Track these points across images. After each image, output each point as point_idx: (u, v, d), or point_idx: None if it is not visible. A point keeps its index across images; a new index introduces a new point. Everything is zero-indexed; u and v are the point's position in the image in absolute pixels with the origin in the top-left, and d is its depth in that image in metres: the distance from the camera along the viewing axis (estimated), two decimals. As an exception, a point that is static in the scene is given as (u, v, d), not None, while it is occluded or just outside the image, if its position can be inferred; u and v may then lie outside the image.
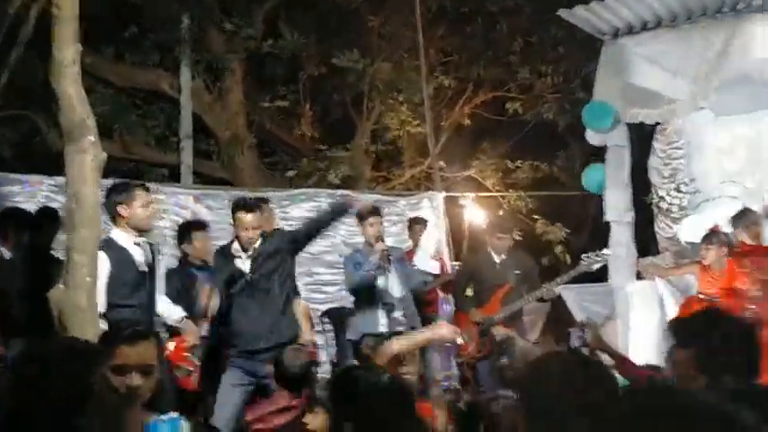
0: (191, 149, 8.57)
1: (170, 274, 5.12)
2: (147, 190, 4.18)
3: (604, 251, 5.44)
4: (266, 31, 9.18)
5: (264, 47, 9.17)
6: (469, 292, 5.79)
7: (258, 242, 4.54)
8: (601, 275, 6.12)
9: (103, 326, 3.75)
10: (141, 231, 4.06)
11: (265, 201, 5.51)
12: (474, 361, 5.62)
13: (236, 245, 4.58)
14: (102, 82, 8.84)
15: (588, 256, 5.35)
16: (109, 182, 6.34)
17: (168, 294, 4.70)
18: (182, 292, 4.91)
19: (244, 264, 4.53)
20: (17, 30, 6.83)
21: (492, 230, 5.90)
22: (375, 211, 5.47)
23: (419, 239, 6.72)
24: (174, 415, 2.16)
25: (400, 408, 1.99)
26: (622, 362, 2.88)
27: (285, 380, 3.76)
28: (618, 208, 5.55)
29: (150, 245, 4.18)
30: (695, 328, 1.99)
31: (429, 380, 6.01)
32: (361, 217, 5.46)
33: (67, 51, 3.59)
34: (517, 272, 5.56)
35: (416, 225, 6.82)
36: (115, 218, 4.03)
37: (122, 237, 4.03)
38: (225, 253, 4.63)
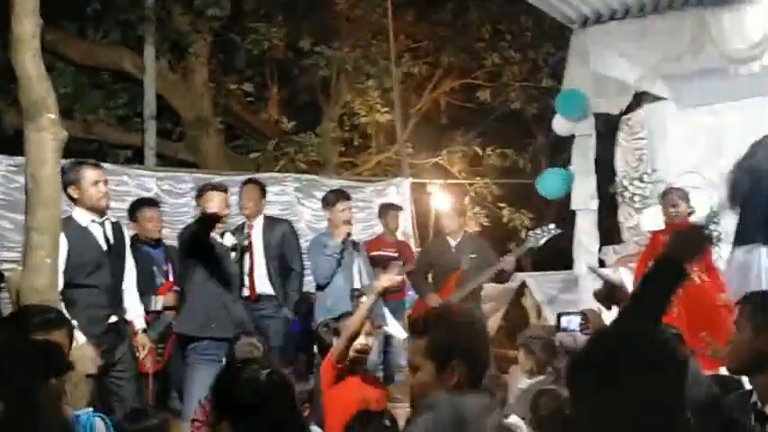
0: (154, 131, 8.41)
1: None
2: (98, 167, 4.08)
3: (551, 226, 5.51)
4: (233, 12, 9.03)
5: (231, 31, 9.04)
6: (429, 278, 5.85)
7: None
8: (568, 263, 6.21)
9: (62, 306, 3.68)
10: (96, 212, 3.96)
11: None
12: None
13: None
14: (64, 60, 8.61)
15: (536, 232, 5.43)
16: (68, 162, 6.30)
17: None
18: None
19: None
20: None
21: (443, 212, 5.97)
22: (345, 196, 5.45)
23: (396, 226, 6.71)
24: (89, 410, 2.10)
25: (278, 405, 1.96)
26: None
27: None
28: (583, 196, 5.62)
29: (114, 224, 4.09)
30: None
31: (392, 366, 6.05)
32: (330, 202, 5.43)
33: (27, 25, 3.48)
34: (472, 255, 5.60)
35: (391, 210, 6.77)
36: (70, 199, 3.95)
37: (82, 216, 3.95)
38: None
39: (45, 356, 1.69)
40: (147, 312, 4.59)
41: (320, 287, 5.32)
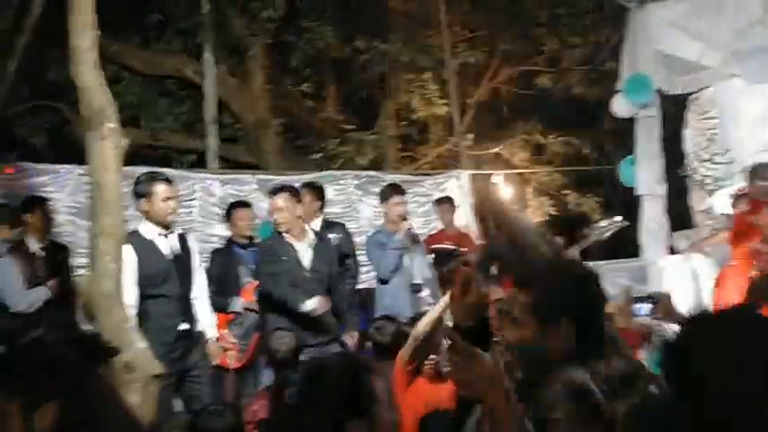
0: (216, 134, 8.59)
1: (214, 254, 5.18)
2: (170, 183, 4.16)
3: (616, 218, 5.31)
4: (287, 14, 9.12)
5: (286, 32, 9.14)
6: (494, 270, 5.71)
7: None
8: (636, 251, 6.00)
9: (131, 316, 3.79)
10: (162, 225, 4.05)
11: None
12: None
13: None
14: (129, 70, 8.90)
15: (600, 225, 5.23)
16: (138, 170, 6.50)
17: (211, 272, 4.70)
18: (224, 272, 4.95)
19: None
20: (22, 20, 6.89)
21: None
22: (398, 191, 5.44)
23: (451, 219, 6.64)
24: None
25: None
26: None
27: (274, 363, 3.78)
28: (649, 181, 5.40)
29: (180, 236, 4.18)
30: None
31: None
32: (385, 197, 5.43)
33: (84, 37, 3.58)
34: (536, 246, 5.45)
35: (443, 205, 6.71)
36: (139, 210, 4.06)
37: (149, 229, 4.04)
38: None
39: (90, 346, 1.70)
40: (227, 313, 4.72)
41: (383, 281, 5.32)
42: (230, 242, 5.18)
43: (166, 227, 4.09)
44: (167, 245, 4.07)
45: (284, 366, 3.65)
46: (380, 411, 1.99)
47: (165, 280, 4.00)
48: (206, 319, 4.24)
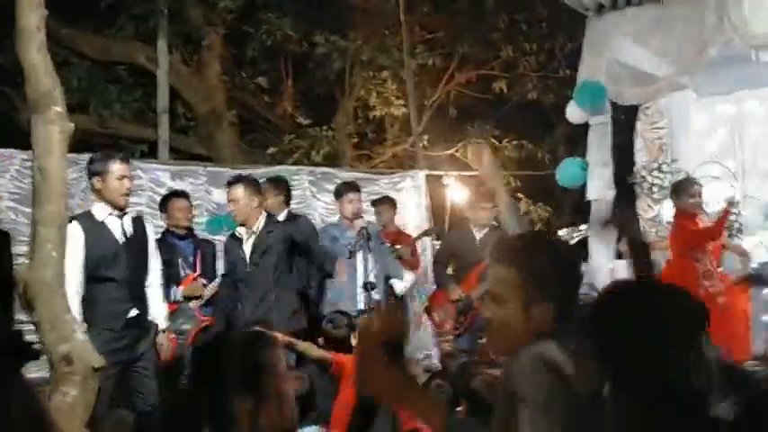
0: (167, 124, 8.41)
1: None
2: (126, 162, 4.03)
3: (581, 227, 5.42)
4: (245, 4, 8.99)
5: (244, 23, 9.00)
6: (450, 269, 5.76)
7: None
8: (583, 255, 6.10)
9: (73, 302, 3.66)
10: (115, 206, 3.93)
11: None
12: (452, 339, 5.59)
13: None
14: (79, 55, 8.63)
15: (565, 232, 5.34)
16: (84, 157, 6.30)
17: None
18: (162, 262, 4.85)
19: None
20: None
21: (474, 203, 5.83)
22: (353, 187, 5.42)
23: (390, 218, 6.59)
24: None
25: None
26: None
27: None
28: (599, 186, 5.50)
29: (135, 218, 4.06)
30: None
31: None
32: (339, 193, 5.42)
33: (32, 17, 3.45)
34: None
35: (382, 205, 6.53)
36: (93, 190, 3.95)
37: (100, 210, 3.93)
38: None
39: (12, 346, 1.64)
40: (168, 302, 4.59)
41: (329, 275, 5.28)
42: (166, 232, 5.05)
43: (120, 208, 3.96)
44: (119, 226, 3.94)
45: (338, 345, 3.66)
46: (275, 387, 1.90)
47: (113, 263, 3.87)
48: (158, 309, 4.12)
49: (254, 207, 4.51)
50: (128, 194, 3.99)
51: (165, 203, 5.25)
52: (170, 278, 4.71)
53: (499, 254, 1.71)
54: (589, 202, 5.77)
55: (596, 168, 5.51)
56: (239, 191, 4.49)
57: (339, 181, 6.73)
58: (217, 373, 1.89)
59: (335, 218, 6.80)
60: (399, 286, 5.63)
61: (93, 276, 3.83)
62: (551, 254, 1.68)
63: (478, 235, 5.63)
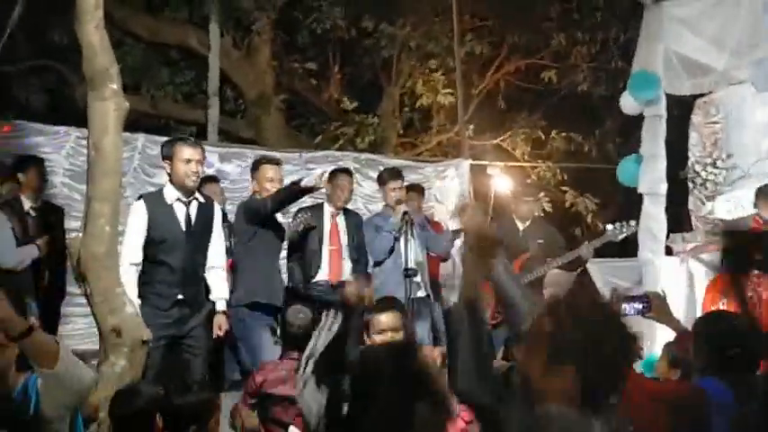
0: (217, 107, 8.51)
1: None
2: (196, 145, 4.06)
3: (632, 223, 5.31)
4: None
5: (294, 9, 9.04)
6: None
7: None
8: (629, 250, 5.99)
9: (128, 276, 3.74)
10: (183, 190, 3.97)
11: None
12: (490, 328, 5.52)
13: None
14: (132, 36, 8.79)
15: (614, 227, 5.23)
16: (137, 136, 6.41)
17: None
18: None
19: None
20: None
21: (517, 195, 5.84)
22: (397, 175, 5.42)
23: (418, 207, 6.56)
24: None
25: None
26: (682, 338, 2.74)
27: (290, 338, 3.68)
28: (652, 180, 5.36)
29: (203, 204, 4.07)
30: None
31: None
32: (383, 180, 5.42)
33: (91, -5, 3.52)
34: (540, 240, 5.47)
35: (412, 192, 6.54)
36: (167, 174, 4.02)
37: (170, 193, 3.97)
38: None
39: None
40: None
41: (377, 263, 5.29)
42: None
43: (188, 193, 3.99)
44: (184, 213, 3.98)
45: (296, 341, 3.57)
46: None
47: (172, 249, 3.93)
48: (219, 290, 4.17)
49: None
50: (195, 178, 4.00)
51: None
52: None
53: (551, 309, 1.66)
54: (639, 195, 5.63)
55: (649, 161, 5.36)
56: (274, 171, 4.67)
57: (383, 167, 6.75)
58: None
59: (379, 205, 6.84)
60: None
61: (148, 258, 3.90)
62: (584, 320, 1.57)
63: (522, 225, 5.59)
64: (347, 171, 5.52)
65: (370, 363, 1.90)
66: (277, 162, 4.72)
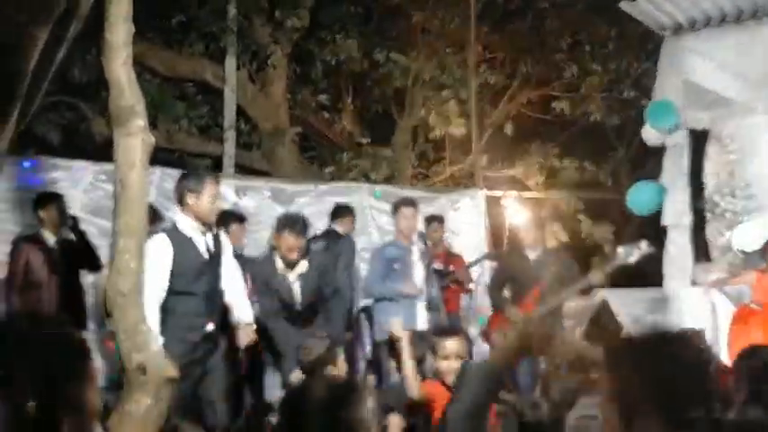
0: (233, 140, 8.56)
1: None
2: (218, 183, 4.18)
3: (642, 244, 5.22)
4: (311, 24, 9.13)
5: (308, 43, 9.14)
6: (506, 291, 5.66)
7: None
8: (649, 280, 5.93)
9: (151, 313, 3.72)
10: (203, 223, 4.04)
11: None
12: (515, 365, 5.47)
13: None
14: (149, 70, 8.88)
15: (626, 248, 5.14)
16: (155, 170, 6.44)
17: None
18: None
19: None
20: (67, 17, 6.87)
21: (527, 224, 5.80)
22: (410, 203, 5.42)
23: (438, 238, 6.57)
24: None
25: None
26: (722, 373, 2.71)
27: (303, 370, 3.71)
28: (676, 211, 5.34)
29: (215, 235, 4.15)
30: None
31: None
32: (396, 208, 5.43)
33: (119, 32, 3.55)
34: (554, 269, 5.36)
35: (434, 222, 6.61)
36: (182, 205, 4.02)
37: (187, 224, 4.01)
38: None
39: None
40: None
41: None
42: None
43: (205, 225, 4.06)
44: (203, 242, 4.04)
45: (311, 371, 3.55)
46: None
47: (197, 278, 3.96)
48: (242, 307, 4.25)
49: None
50: (217, 213, 4.16)
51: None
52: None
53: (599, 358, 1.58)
54: (656, 224, 5.59)
55: (672, 193, 5.34)
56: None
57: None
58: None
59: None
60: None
61: (175, 290, 3.90)
62: (646, 360, 1.44)
63: (533, 255, 5.54)
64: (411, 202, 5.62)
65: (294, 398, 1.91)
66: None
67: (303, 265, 4.65)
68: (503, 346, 1.65)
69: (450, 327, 3.35)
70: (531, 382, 5.11)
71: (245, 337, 4.23)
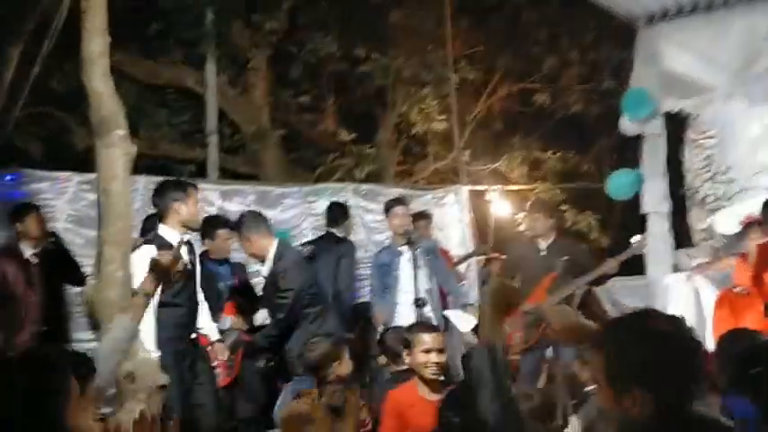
0: (216, 145, 8.56)
1: None
2: (197, 189, 4.19)
3: (632, 240, 5.25)
4: (289, 26, 9.14)
5: (288, 44, 9.15)
6: (516, 282, 5.57)
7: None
8: (633, 268, 5.99)
9: (147, 325, 3.72)
10: (190, 230, 4.04)
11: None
12: (518, 353, 5.42)
13: None
14: (129, 79, 8.85)
15: (639, 240, 5.16)
16: (138, 178, 6.44)
17: None
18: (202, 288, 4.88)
19: None
20: (44, 29, 6.84)
21: (529, 214, 5.68)
22: (401, 202, 5.45)
23: (427, 235, 6.59)
24: None
25: None
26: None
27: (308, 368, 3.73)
28: (655, 198, 5.39)
29: (190, 244, 4.12)
30: None
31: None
32: (387, 209, 5.44)
33: (96, 43, 3.58)
34: (564, 258, 5.21)
35: (421, 220, 6.58)
36: (166, 214, 3.97)
37: (170, 234, 3.95)
38: None
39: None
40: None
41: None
42: (204, 257, 4.95)
43: (193, 231, 4.11)
44: (186, 252, 4.01)
45: (315, 372, 3.57)
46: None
47: (183, 288, 3.95)
48: (209, 323, 4.33)
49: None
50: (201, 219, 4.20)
51: (212, 231, 5.14)
52: (212, 303, 4.64)
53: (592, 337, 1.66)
54: (638, 209, 5.65)
55: (650, 180, 5.39)
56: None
57: (383, 197, 6.80)
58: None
59: (382, 236, 6.87)
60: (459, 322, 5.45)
61: (162, 301, 3.84)
62: (640, 337, 1.52)
63: (543, 244, 5.39)
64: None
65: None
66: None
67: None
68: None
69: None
70: (534, 371, 5.12)
71: (217, 352, 4.33)
